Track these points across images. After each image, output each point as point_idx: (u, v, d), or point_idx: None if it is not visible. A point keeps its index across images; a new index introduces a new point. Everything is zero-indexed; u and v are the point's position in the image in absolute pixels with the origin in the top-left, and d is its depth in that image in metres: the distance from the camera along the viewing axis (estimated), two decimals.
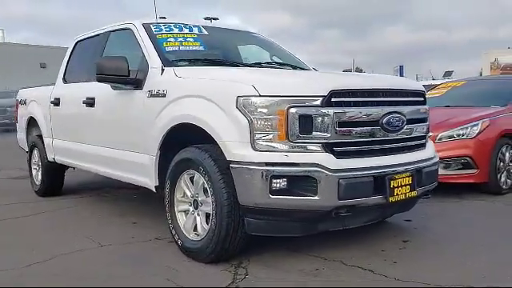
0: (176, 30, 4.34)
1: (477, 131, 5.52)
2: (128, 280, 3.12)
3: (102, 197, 6.02)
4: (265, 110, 3.01)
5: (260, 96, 3.02)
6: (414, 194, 3.39)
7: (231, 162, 3.07)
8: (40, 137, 6.09)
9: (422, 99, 3.68)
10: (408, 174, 3.33)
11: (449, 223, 4.40)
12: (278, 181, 2.96)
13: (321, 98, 3.03)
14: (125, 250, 3.78)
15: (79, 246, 3.84)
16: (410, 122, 3.44)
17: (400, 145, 3.40)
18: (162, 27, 4.32)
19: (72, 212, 5.23)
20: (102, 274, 3.26)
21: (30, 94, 6.48)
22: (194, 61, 4.08)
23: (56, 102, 5.42)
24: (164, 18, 4.66)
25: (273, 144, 3.01)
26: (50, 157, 5.75)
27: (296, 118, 2.98)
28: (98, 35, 5.08)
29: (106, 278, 3.17)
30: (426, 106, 3.69)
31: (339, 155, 3.05)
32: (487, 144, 5.53)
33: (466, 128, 5.51)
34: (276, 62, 4.56)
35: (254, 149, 3.02)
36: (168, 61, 3.91)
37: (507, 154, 5.77)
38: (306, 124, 3.00)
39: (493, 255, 3.50)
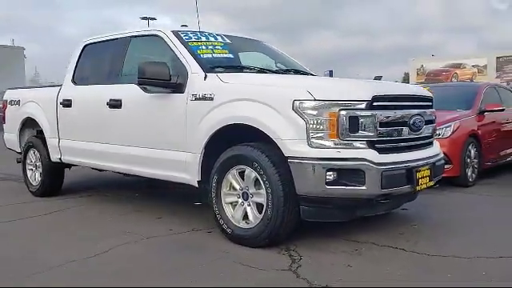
0: (204, 38, 4.70)
1: (450, 131, 6.33)
2: (208, 265, 3.46)
3: (103, 196, 6.18)
4: (319, 112, 3.49)
5: (315, 100, 3.50)
6: (431, 183, 4.01)
7: (289, 157, 3.52)
8: (39, 137, 6.17)
9: (431, 104, 4.31)
10: (428, 166, 3.94)
11: (439, 210, 5.10)
12: (333, 173, 3.45)
13: (365, 102, 3.56)
14: (172, 240, 4.09)
15: (125, 240, 4.09)
16: (426, 122, 4.05)
17: (420, 142, 4.01)
18: (191, 35, 4.66)
19: (82, 210, 5.37)
20: (172, 259, 3.58)
21: (26, 94, 6.51)
22: (229, 67, 4.46)
23: (67, 104, 5.56)
24: (186, 25, 4.99)
25: (325, 142, 3.49)
26: (55, 157, 5.85)
27: (346, 119, 3.48)
28: (114, 39, 5.29)
29: (183, 264, 3.49)
30: (433, 110, 4.33)
31: (380, 151, 3.59)
32: (458, 143, 6.35)
33: (442, 129, 6.28)
34: (303, 72, 5.02)
35: (310, 146, 3.49)
36: (207, 67, 4.26)
37: (472, 152, 6.63)
38: (354, 124, 3.51)
39: (487, 233, 4.23)
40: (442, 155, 4.38)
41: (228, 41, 4.89)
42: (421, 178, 3.85)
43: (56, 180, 6.19)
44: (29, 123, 6.45)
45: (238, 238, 3.85)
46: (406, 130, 3.82)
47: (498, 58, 33.10)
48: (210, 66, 4.30)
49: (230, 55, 4.70)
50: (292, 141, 3.52)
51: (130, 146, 4.74)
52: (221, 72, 4.23)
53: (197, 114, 4.10)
